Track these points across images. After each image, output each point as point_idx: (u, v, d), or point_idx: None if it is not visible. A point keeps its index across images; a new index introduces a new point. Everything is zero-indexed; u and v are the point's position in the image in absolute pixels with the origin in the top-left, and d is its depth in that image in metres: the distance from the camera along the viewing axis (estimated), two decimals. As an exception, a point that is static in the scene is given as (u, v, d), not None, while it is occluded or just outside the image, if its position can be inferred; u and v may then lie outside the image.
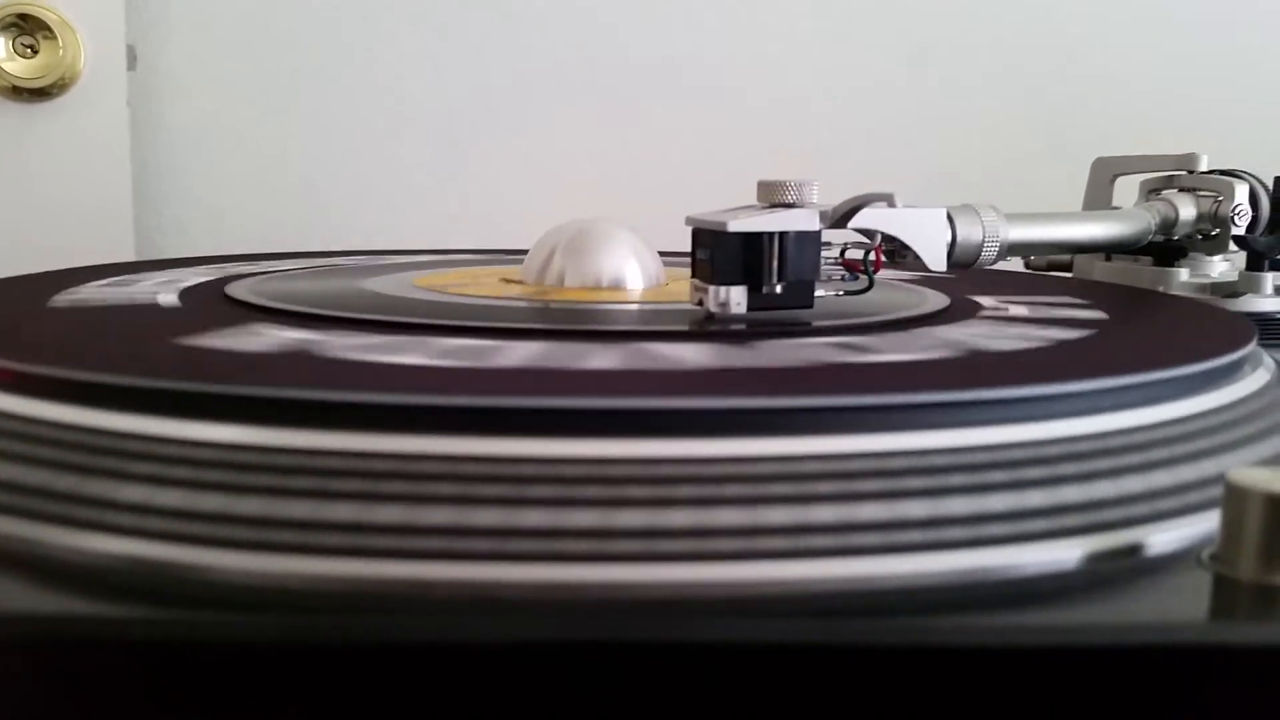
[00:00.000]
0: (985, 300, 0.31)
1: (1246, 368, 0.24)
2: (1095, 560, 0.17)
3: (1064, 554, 0.17)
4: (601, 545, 0.16)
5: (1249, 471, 0.17)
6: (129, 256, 0.53)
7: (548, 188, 0.58)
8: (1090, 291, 0.34)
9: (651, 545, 0.16)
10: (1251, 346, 0.25)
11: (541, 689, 0.15)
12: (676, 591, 0.16)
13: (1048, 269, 0.42)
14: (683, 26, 0.59)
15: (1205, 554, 0.17)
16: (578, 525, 0.16)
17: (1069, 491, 0.18)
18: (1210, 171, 0.38)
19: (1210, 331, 0.27)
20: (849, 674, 0.15)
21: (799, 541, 0.16)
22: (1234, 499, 0.17)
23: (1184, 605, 0.16)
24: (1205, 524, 0.18)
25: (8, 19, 0.52)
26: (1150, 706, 0.16)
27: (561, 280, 0.32)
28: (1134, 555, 0.18)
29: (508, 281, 0.34)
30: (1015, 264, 0.39)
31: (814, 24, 0.60)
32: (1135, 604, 0.17)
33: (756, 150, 0.58)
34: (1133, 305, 0.32)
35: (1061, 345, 0.24)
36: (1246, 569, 0.17)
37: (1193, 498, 0.19)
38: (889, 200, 0.25)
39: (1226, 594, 0.16)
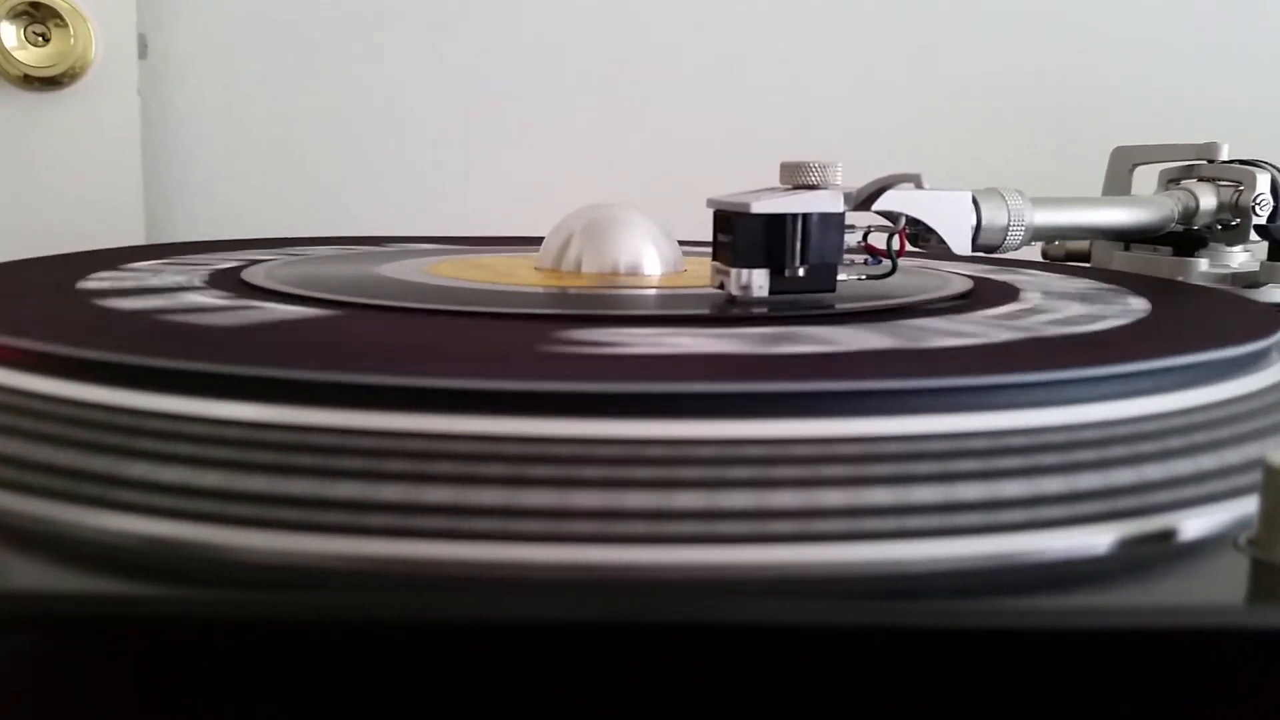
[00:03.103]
0: (1017, 286, 0.31)
1: (1275, 354, 0.24)
2: (1132, 544, 0.17)
3: (1101, 538, 0.17)
4: (648, 527, 0.16)
5: (1288, 454, 0.16)
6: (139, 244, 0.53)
7: (555, 181, 0.58)
8: (1117, 280, 0.34)
9: (681, 527, 0.16)
10: (1280, 334, 0.24)
11: (565, 669, 0.15)
12: (725, 573, 0.16)
13: (1065, 259, 0.42)
14: (689, 21, 0.59)
15: (1243, 538, 0.17)
16: (622, 507, 0.16)
17: (1104, 477, 0.18)
18: (1231, 161, 0.37)
19: (1241, 318, 0.27)
20: (886, 655, 0.15)
21: (835, 525, 0.16)
22: (1272, 483, 0.16)
23: (1221, 589, 0.16)
24: (1243, 508, 0.18)
25: (19, 7, 0.52)
26: (1188, 689, 0.16)
27: (579, 266, 0.32)
28: (1171, 540, 0.17)
29: (523, 268, 0.33)
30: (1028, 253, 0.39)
31: (823, 18, 0.59)
32: (1172, 588, 0.16)
33: (763, 146, 0.57)
34: (1163, 293, 0.31)
35: (1096, 332, 0.24)
36: (1285, 553, 0.16)
37: (1229, 483, 0.19)
38: (916, 181, 0.25)
39: (1264, 578, 0.16)
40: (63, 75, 0.53)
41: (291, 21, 0.57)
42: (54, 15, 0.52)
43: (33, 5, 0.52)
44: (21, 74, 0.52)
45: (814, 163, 0.25)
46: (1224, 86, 0.60)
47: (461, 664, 0.15)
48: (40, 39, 0.53)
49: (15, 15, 0.52)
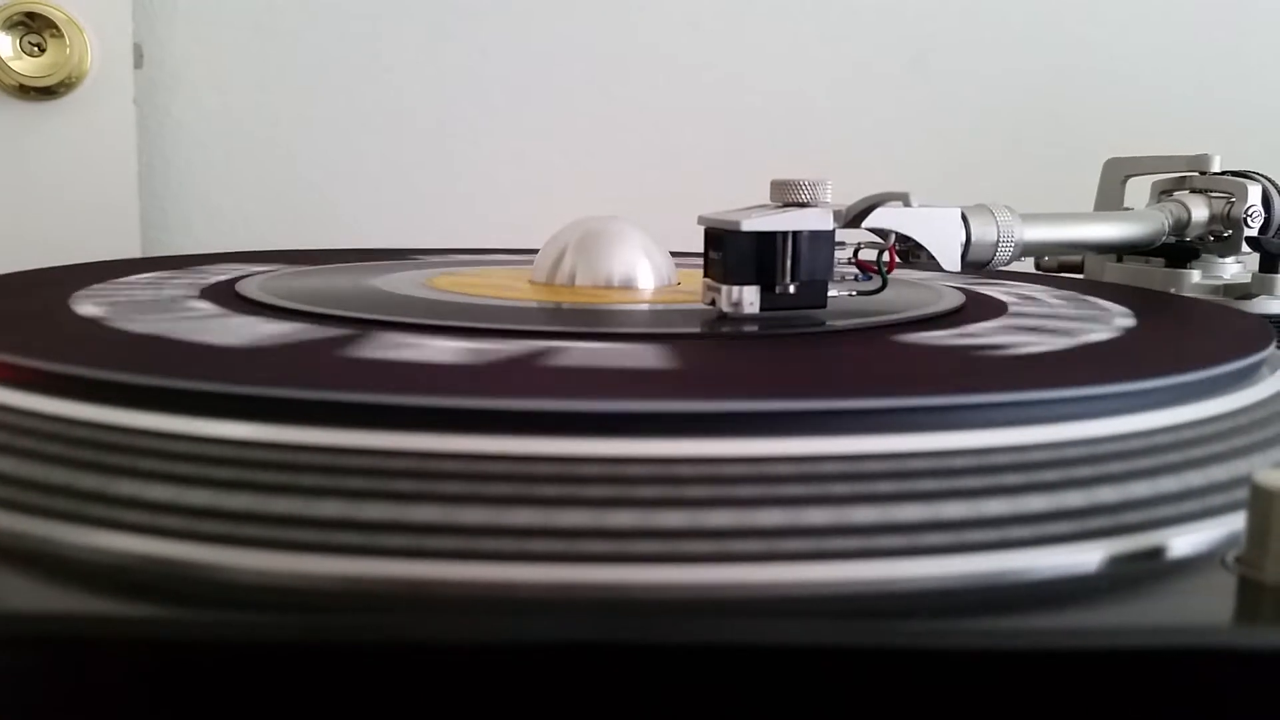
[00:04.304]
0: (1006, 301, 0.31)
1: (1265, 369, 0.24)
2: (1119, 563, 0.17)
3: (1087, 557, 0.17)
4: (627, 546, 0.16)
5: (1275, 473, 0.17)
6: (135, 254, 0.53)
7: (555, 189, 0.58)
8: (1106, 293, 0.34)
9: (674, 546, 0.16)
10: (1271, 348, 0.25)
11: (559, 690, 0.15)
12: (699, 593, 0.16)
13: (1059, 270, 0.42)
14: (690, 27, 0.59)
15: (1230, 557, 0.17)
16: (604, 526, 0.16)
17: (1092, 494, 0.18)
18: (1223, 173, 0.38)
19: (1230, 333, 0.27)
20: (871, 676, 0.15)
21: (823, 543, 0.16)
22: (1260, 501, 0.16)
23: (1209, 608, 0.16)
24: (1230, 526, 0.18)
25: (15, 17, 0.52)
26: (1175, 710, 0.16)
27: (573, 279, 0.32)
28: (1158, 558, 0.18)
29: (518, 281, 0.34)
30: (1024, 265, 0.39)
31: (819, 24, 0.59)
32: (1159, 607, 0.16)
33: (761, 154, 0.58)
34: (1151, 307, 0.32)
35: (1084, 348, 0.24)
36: (1272, 572, 0.16)
37: (1217, 500, 0.19)
38: (904, 200, 0.25)
39: (1252, 597, 0.16)
40: (58, 85, 0.53)
41: (288, 30, 0.58)
42: (50, 25, 0.52)
43: (28, 15, 0.52)
44: (17, 84, 0.52)
45: (804, 180, 0.25)
46: (1221, 91, 0.60)
47: (463, 686, 0.15)
48: (36, 49, 0.53)
49: (11, 25, 0.52)
